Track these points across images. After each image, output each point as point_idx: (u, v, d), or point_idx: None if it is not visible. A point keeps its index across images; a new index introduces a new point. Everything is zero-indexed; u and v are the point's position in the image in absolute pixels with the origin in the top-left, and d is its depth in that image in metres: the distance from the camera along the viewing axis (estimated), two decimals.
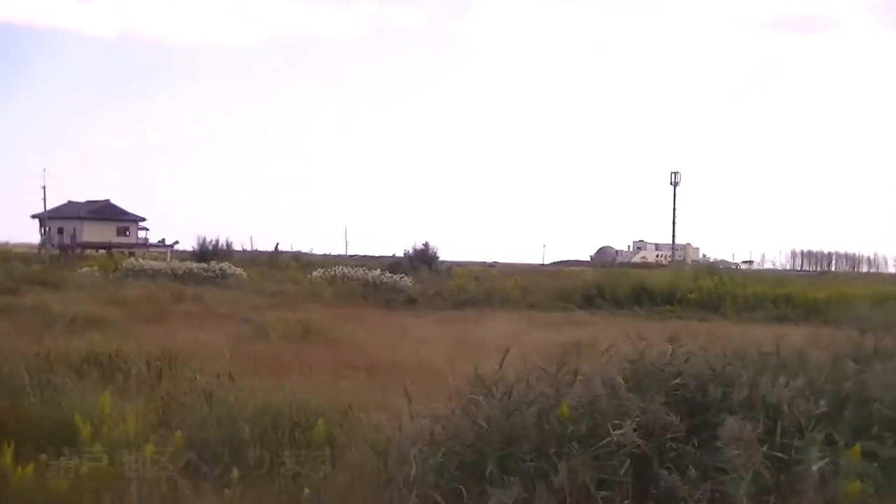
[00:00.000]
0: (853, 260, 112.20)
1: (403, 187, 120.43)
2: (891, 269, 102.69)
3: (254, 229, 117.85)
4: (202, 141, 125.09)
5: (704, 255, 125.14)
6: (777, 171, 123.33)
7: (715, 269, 39.64)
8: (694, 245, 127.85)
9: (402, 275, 38.33)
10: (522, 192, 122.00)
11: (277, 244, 56.53)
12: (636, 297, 33.43)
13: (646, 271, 40.34)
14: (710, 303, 32.74)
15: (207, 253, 53.26)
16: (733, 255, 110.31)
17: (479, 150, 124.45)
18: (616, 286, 34.40)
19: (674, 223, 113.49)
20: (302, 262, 45.96)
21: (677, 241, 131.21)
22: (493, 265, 59.59)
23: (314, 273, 37.31)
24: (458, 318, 25.67)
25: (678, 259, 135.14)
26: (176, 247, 64.65)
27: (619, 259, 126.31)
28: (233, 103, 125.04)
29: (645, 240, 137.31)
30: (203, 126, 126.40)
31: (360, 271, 37.24)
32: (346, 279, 36.11)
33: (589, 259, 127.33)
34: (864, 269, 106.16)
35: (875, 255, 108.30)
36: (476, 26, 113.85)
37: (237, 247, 54.39)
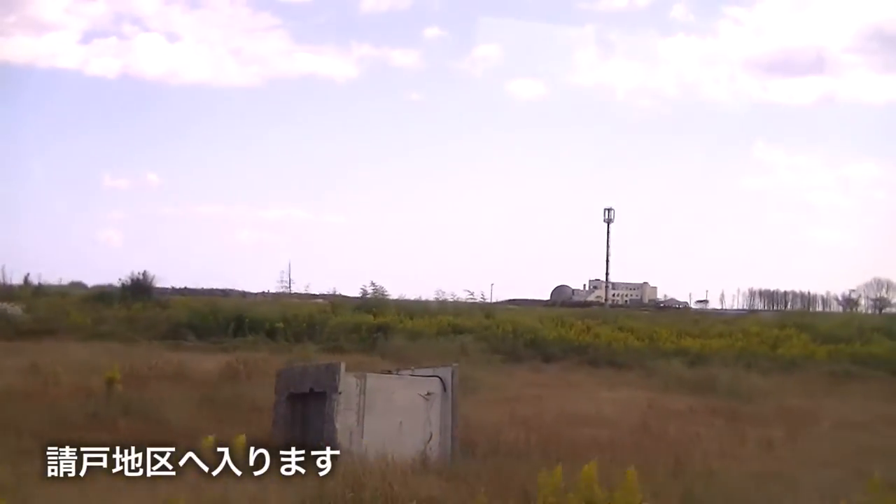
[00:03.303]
0: (807, 299, 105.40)
1: (348, 226, 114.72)
2: (839, 308, 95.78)
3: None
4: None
5: (666, 295, 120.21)
6: (737, 210, 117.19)
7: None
8: (651, 284, 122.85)
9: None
10: (473, 225, 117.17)
11: (27, 274, 54.26)
12: (225, 328, 30.03)
13: (248, 303, 36.76)
14: (300, 333, 29.37)
15: None
16: (690, 295, 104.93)
17: (456, 190, 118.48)
18: (208, 316, 30.84)
19: (607, 261, 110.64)
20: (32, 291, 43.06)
21: (636, 280, 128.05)
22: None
23: None
24: None
25: (635, 298, 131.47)
26: None
27: (575, 298, 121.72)
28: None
29: (601, 279, 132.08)
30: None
31: None
32: None
33: (548, 298, 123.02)
34: (819, 307, 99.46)
35: (827, 293, 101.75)
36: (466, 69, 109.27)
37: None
